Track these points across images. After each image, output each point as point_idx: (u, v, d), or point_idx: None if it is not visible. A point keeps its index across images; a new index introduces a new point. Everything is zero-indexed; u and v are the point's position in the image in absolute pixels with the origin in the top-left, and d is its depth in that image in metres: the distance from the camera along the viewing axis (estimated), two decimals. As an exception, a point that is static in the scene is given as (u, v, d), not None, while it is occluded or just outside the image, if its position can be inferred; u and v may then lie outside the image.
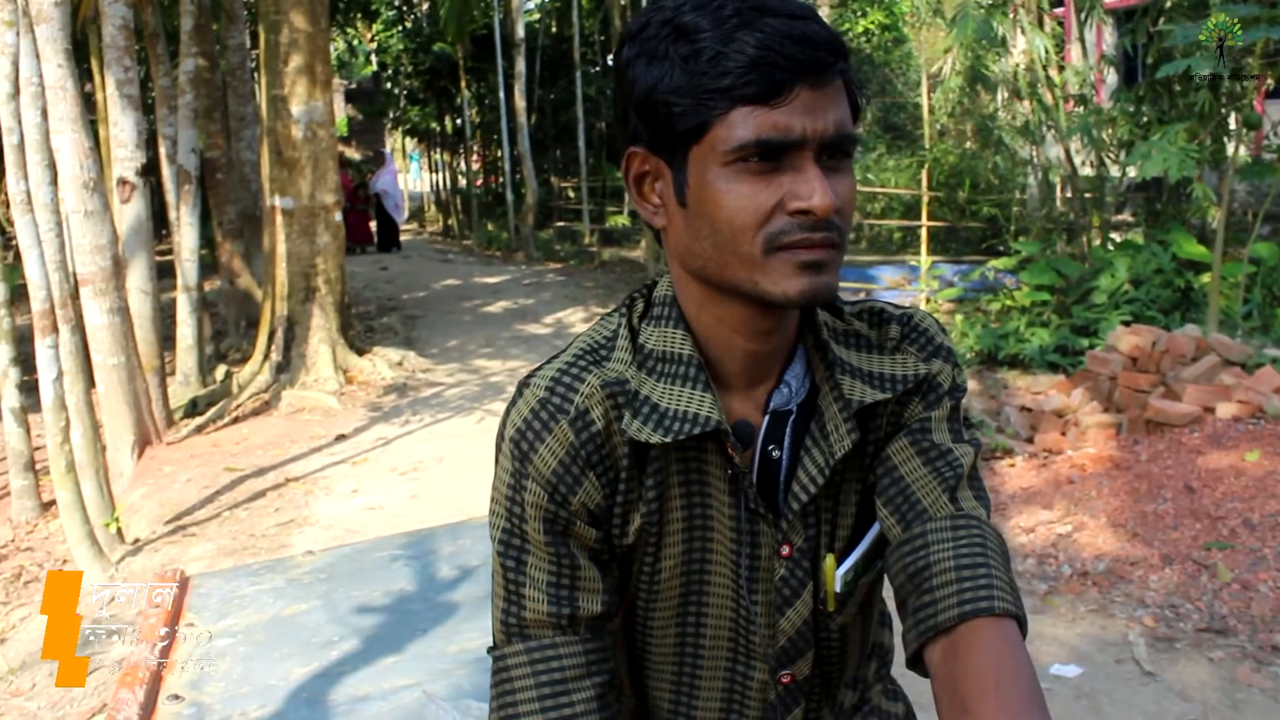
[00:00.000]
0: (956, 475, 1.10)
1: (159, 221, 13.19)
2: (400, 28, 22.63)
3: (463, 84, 20.20)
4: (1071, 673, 3.70)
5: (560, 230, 19.39)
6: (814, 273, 1.00)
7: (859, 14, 17.76)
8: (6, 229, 7.95)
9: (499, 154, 21.09)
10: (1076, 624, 4.06)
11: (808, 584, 1.17)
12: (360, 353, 9.27)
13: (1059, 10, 10.37)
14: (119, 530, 5.74)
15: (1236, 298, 7.46)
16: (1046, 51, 8.56)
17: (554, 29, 21.97)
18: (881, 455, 1.15)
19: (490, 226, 21.10)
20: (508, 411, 1.13)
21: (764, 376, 1.13)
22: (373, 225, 19.34)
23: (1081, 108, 9.00)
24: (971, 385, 7.24)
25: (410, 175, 31.89)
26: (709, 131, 0.99)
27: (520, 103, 17.36)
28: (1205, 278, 7.72)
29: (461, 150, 23.17)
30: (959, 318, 8.77)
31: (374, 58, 26.44)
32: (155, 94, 9.85)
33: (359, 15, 23.00)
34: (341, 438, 7.35)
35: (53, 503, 5.86)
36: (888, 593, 1.21)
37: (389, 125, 27.26)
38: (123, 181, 7.51)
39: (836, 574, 1.16)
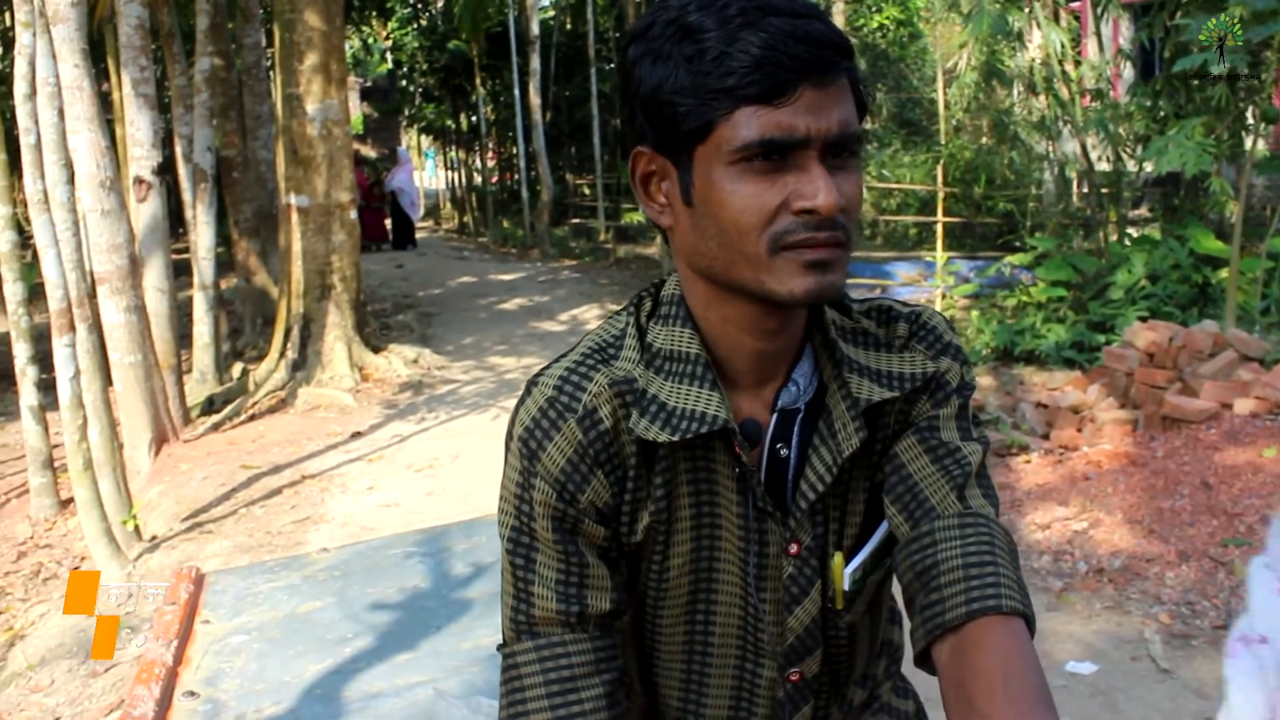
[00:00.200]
0: (965, 473, 1.10)
1: (175, 220, 13.28)
2: (415, 25, 22.68)
3: (478, 81, 20.23)
4: (1087, 670, 3.69)
5: (575, 227, 19.41)
6: (820, 272, 1.00)
7: (874, 9, 17.71)
8: (24, 228, 8.00)
9: (514, 151, 21.11)
10: (1092, 621, 4.05)
11: (816, 582, 1.17)
12: (376, 350, 9.30)
13: (1075, 4, 10.33)
14: (136, 527, 5.77)
15: (1254, 293, 7.41)
16: (1062, 46, 8.52)
17: (569, 26, 21.98)
18: (889, 453, 1.15)
19: (505, 224, 21.13)
20: (516, 410, 1.14)
21: (772, 375, 1.13)
22: (388, 223, 19.38)
23: (1098, 102, 8.96)
24: (987, 381, 7.22)
25: (425, 172, 31.94)
26: (714, 131, 0.99)
27: (535, 100, 17.37)
28: (1223, 273, 7.68)
29: (477, 147, 23.19)
30: (975, 314, 8.75)
31: (389, 55, 26.50)
32: (171, 93, 9.89)
33: (374, 13, 23.04)
34: (357, 435, 7.38)
35: (71, 500, 5.90)
36: (897, 590, 1.21)
37: (404, 123, 27.31)
38: (139, 180, 7.54)
39: (845, 572, 1.16)
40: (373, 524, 5.60)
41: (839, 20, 14.73)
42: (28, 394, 6.09)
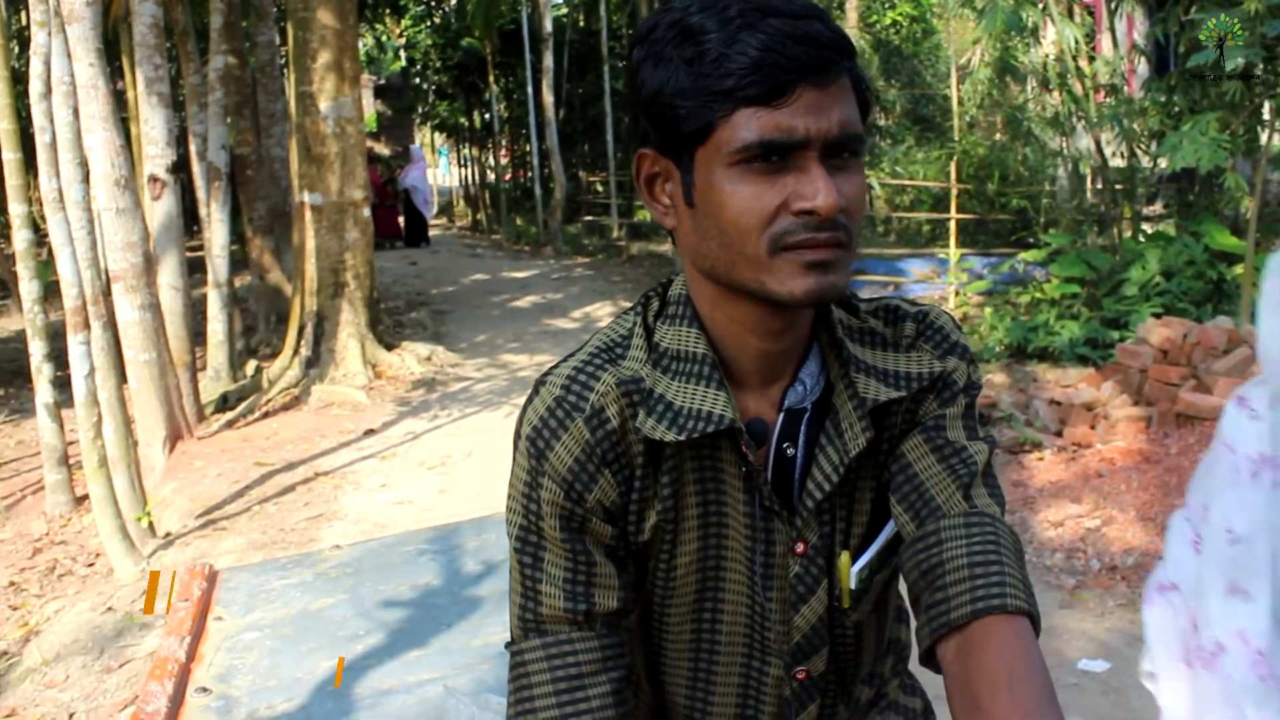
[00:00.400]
0: (971, 472, 1.10)
1: (190, 218, 13.34)
2: (428, 23, 22.71)
3: (491, 79, 20.24)
4: (1100, 668, 3.69)
5: (588, 224, 19.41)
6: (820, 272, 1.00)
7: (887, 5, 17.67)
8: (40, 226, 8.05)
9: (527, 149, 21.10)
10: (1105, 618, 4.04)
11: (822, 581, 1.17)
12: (389, 348, 9.32)
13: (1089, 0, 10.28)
14: (150, 524, 5.80)
15: (1269, 289, 7.35)
16: (1077, 42, 8.48)
17: (582, 23, 21.98)
18: (896, 452, 1.15)
19: (519, 221, 21.14)
20: (524, 409, 1.14)
21: (778, 375, 1.14)
22: (401, 220, 19.42)
23: (1112, 98, 8.92)
24: (1000, 378, 7.20)
25: (439, 170, 32.00)
26: (714, 133, 0.99)
27: (548, 97, 17.37)
28: (1238, 269, 7.64)
29: (490, 145, 23.21)
30: (988, 310, 8.73)
31: (402, 53, 26.56)
32: (186, 91, 9.92)
33: (387, 11, 23.10)
34: (370, 432, 7.40)
35: (86, 497, 5.93)
36: (904, 589, 1.21)
37: (418, 120, 27.35)
38: (153, 179, 7.57)
39: (851, 571, 1.16)
40: (385, 521, 5.62)
41: (852, 16, 14.73)
42: (43, 391, 6.12)
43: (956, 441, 1.13)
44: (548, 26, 17.35)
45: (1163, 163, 8.22)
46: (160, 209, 7.60)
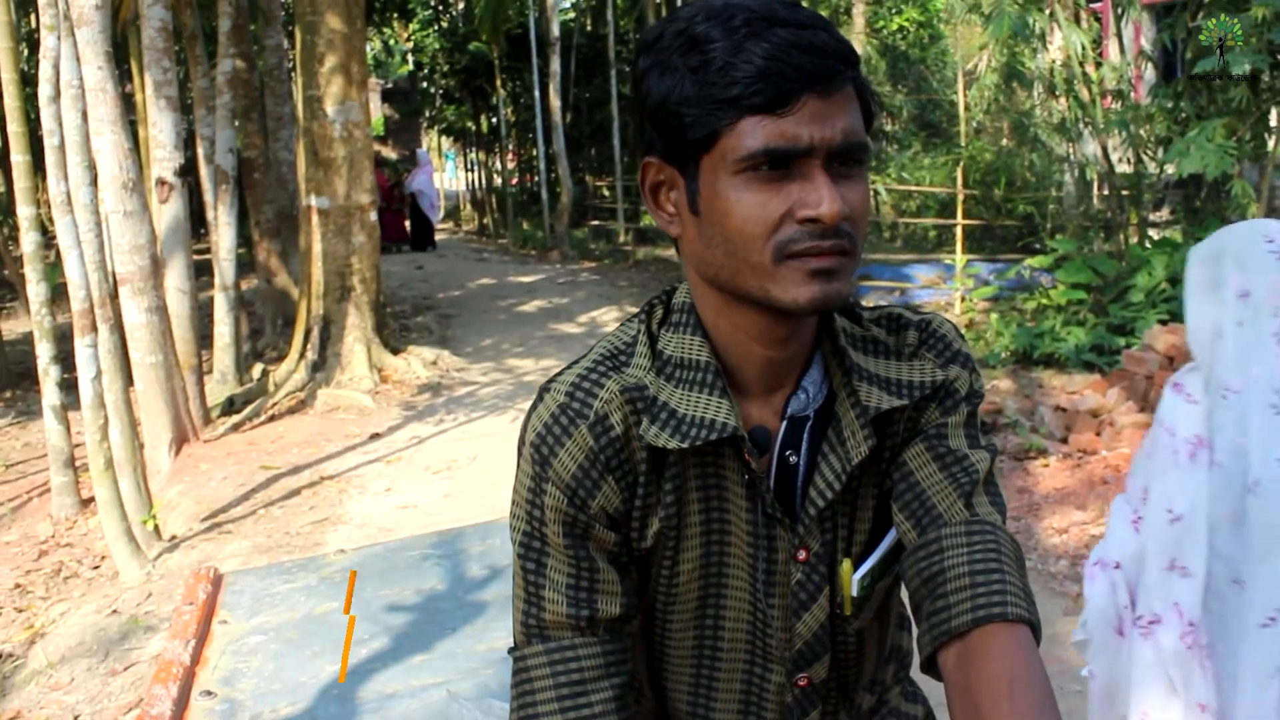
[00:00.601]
0: (972, 481, 1.11)
1: (197, 221, 13.33)
2: (436, 27, 22.75)
3: (498, 83, 20.28)
4: (1104, 675, 3.67)
5: (595, 229, 19.42)
6: (824, 280, 1.01)
7: (894, 11, 17.67)
8: (48, 229, 8.07)
9: (534, 153, 21.15)
10: (1110, 626, 4.02)
11: (824, 588, 1.18)
12: (395, 351, 9.33)
13: (1096, 5, 10.28)
14: (156, 527, 5.81)
15: (1276, 296, 7.34)
16: (1083, 47, 8.48)
17: (589, 27, 22.00)
18: (898, 460, 1.16)
19: (525, 225, 21.16)
20: (528, 416, 1.15)
21: (782, 383, 1.14)
22: (408, 224, 19.44)
23: (1119, 104, 8.91)
24: (1006, 385, 7.19)
25: (446, 174, 32.03)
26: (719, 141, 1.00)
27: (555, 101, 17.40)
28: (1244, 276, 7.61)
29: (497, 149, 23.25)
30: (994, 316, 8.72)
31: (410, 57, 26.63)
32: (193, 95, 9.94)
33: (395, 15, 23.13)
34: (376, 436, 7.41)
35: (92, 499, 5.94)
36: (906, 596, 1.21)
37: (425, 124, 27.40)
38: (161, 182, 7.60)
39: (853, 578, 1.16)
40: (390, 525, 5.63)
41: (859, 22, 14.73)
42: (50, 394, 6.14)
43: (958, 450, 1.13)
44: (555, 31, 17.38)
45: (1169, 169, 8.22)
46: (168, 212, 7.62)
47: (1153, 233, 9.36)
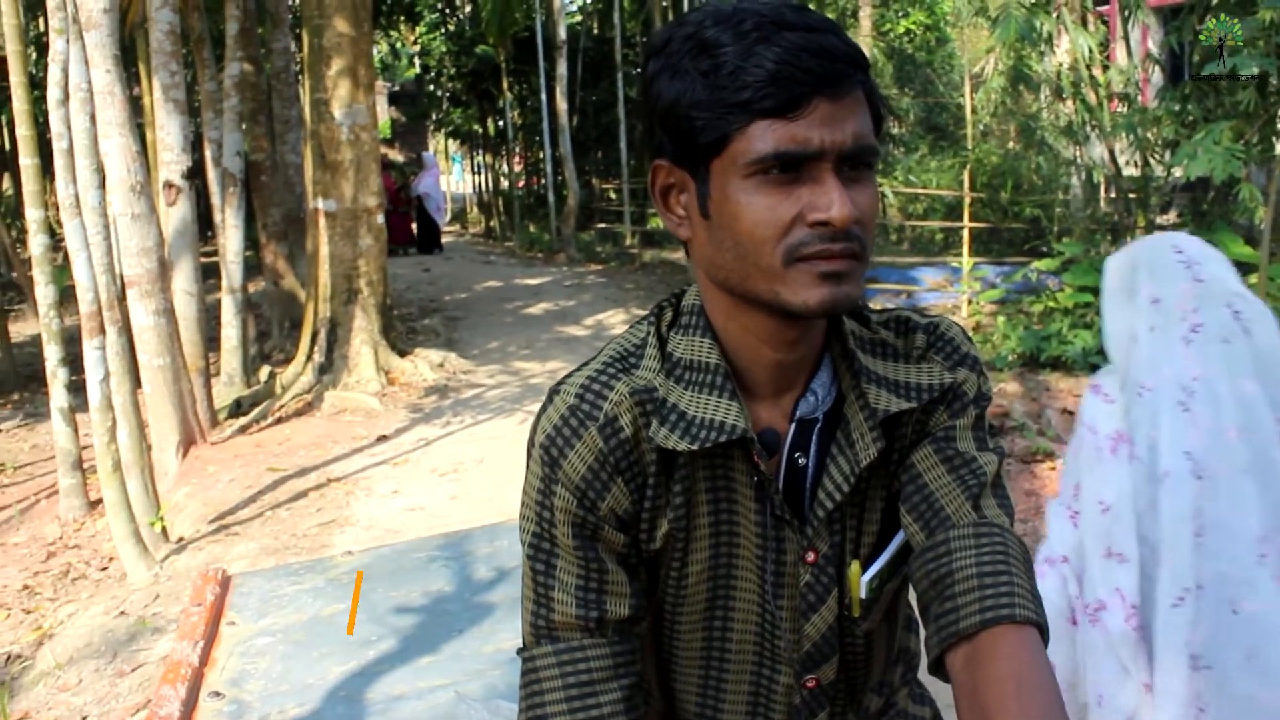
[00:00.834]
0: (980, 483, 1.11)
1: (204, 224, 13.39)
2: (443, 30, 22.77)
3: (505, 86, 20.30)
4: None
5: (601, 232, 19.43)
6: (834, 283, 1.01)
7: (901, 14, 17.66)
8: (56, 232, 8.09)
9: (541, 156, 21.15)
10: (1117, 629, 4.02)
11: (833, 590, 1.18)
12: (402, 354, 9.34)
13: (1104, 8, 10.27)
14: (164, 529, 5.82)
15: (1284, 299, 7.34)
16: (1090, 50, 8.47)
17: (595, 30, 22.03)
18: (906, 463, 1.16)
19: (532, 228, 21.17)
20: (538, 418, 1.15)
21: (790, 385, 1.14)
22: (414, 227, 19.46)
23: (1126, 107, 8.90)
24: (1013, 387, 7.18)
25: (452, 177, 32.06)
26: (729, 144, 1.00)
27: (562, 104, 17.41)
28: (1252, 279, 7.61)
29: (503, 152, 23.26)
30: (1001, 319, 8.71)
31: (417, 60, 26.65)
32: (201, 98, 9.97)
33: (402, 18, 23.18)
34: (383, 439, 7.42)
35: (99, 501, 5.95)
36: (914, 598, 1.21)
37: (431, 127, 27.42)
38: (169, 184, 7.61)
39: (861, 580, 1.17)
40: (397, 527, 5.63)
41: (866, 25, 14.71)
42: (58, 396, 6.15)
43: (966, 452, 1.13)
44: (562, 34, 17.39)
45: (1177, 172, 8.19)
46: (175, 215, 7.63)
47: (1160, 236, 9.32)
